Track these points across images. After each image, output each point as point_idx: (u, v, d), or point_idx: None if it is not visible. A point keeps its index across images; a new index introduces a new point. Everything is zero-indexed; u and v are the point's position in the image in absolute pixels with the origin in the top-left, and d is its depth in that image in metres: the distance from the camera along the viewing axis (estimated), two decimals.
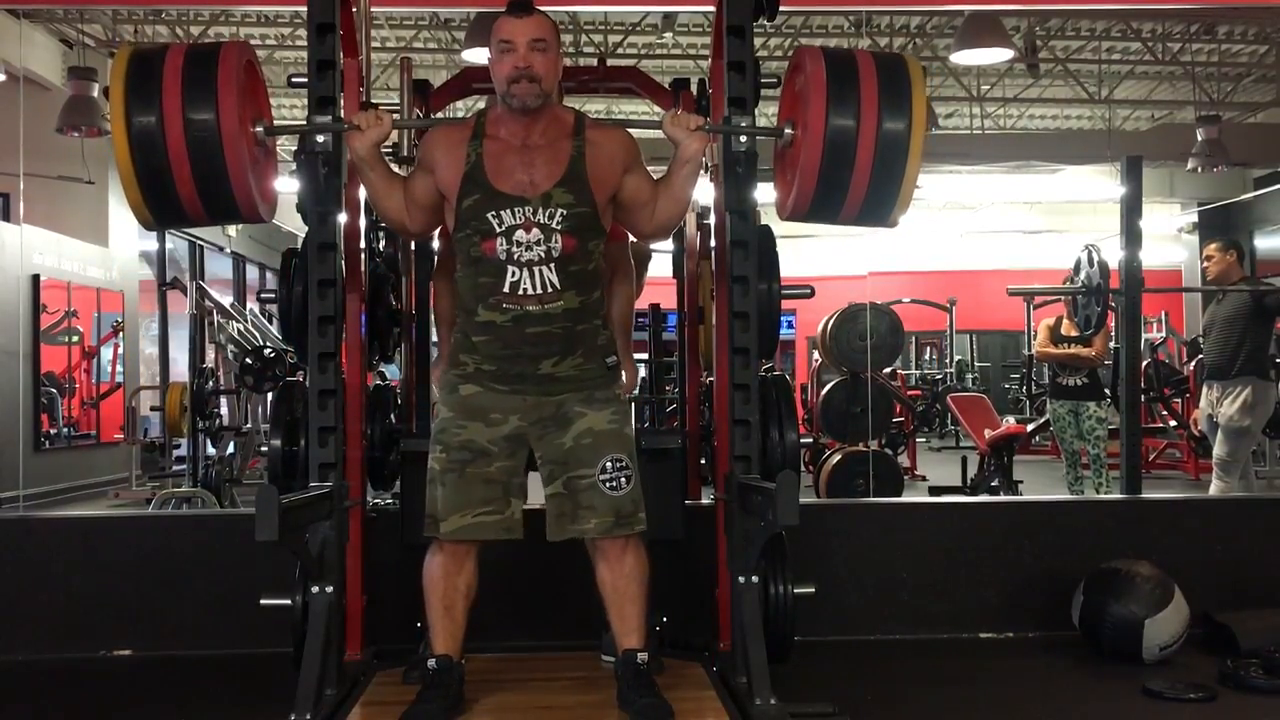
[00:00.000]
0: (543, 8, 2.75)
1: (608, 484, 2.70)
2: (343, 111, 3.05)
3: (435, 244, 3.50)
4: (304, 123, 2.93)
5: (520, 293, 2.66)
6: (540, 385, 2.72)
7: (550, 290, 2.67)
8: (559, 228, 2.66)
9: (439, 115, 3.96)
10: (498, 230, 2.65)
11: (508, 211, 2.66)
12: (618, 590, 2.74)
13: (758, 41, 3.49)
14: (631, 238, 3.24)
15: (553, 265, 2.66)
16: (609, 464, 2.71)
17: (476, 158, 2.70)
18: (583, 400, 2.74)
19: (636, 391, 5.11)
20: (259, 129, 2.82)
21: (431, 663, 2.72)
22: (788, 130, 2.92)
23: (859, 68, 2.81)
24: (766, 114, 3.36)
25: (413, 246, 3.81)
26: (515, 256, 2.65)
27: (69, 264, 8.98)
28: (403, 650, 3.18)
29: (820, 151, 2.77)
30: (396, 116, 2.99)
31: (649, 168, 2.86)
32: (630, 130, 2.88)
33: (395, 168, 3.73)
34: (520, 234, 2.65)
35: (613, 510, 2.69)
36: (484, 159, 2.69)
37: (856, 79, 2.79)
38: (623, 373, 2.90)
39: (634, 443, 2.80)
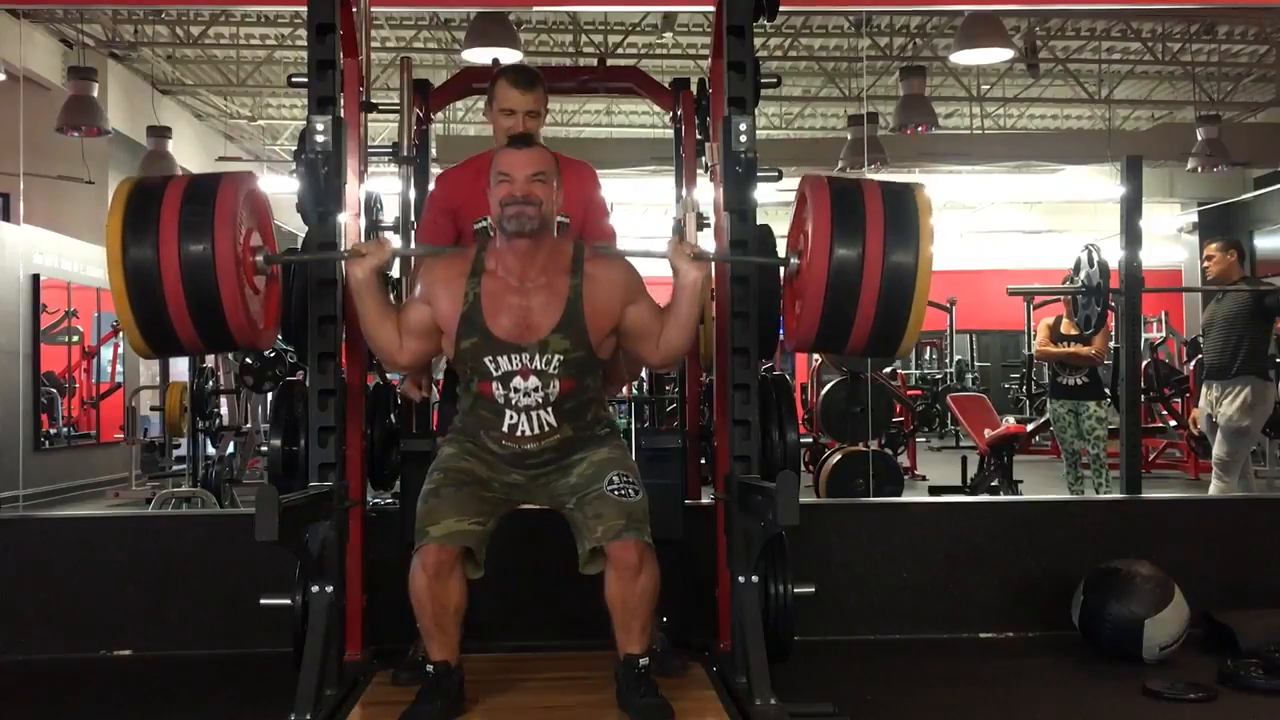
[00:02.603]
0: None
1: (615, 491, 2.71)
2: (342, 110, 3.05)
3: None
4: (306, 251, 2.97)
5: (518, 434, 2.74)
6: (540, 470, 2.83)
7: (547, 429, 2.74)
8: (556, 373, 2.70)
9: (438, 117, 3.96)
10: (495, 375, 2.70)
11: (504, 358, 2.69)
12: (628, 608, 2.67)
13: (758, 41, 3.50)
14: None
15: (550, 408, 2.72)
16: (615, 477, 2.74)
17: (474, 297, 2.70)
18: (580, 451, 2.82)
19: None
20: (259, 258, 2.83)
21: (430, 668, 2.72)
22: (793, 260, 2.89)
23: (865, 199, 2.77)
24: (766, 114, 3.36)
25: (405, 247, 3.80)
26: (513, 402, 2.71)
27: (69, 264, 8.98)
28: (403, 650, 3.18)
29: (824, 285, 2.73)
30: (397, 243, 3.00)
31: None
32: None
33: (394, 168, 3.76)
34: (517, 380, 2.70)
35: (623, 514, 2.68)
36: (482, 299, 2.70)
37: (862, 211, 2.75)
38: (620, 434, 2.95)
39: (638, 472, 2.82)
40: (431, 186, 3.32)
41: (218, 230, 2.66)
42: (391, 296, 3.29)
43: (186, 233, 2.65)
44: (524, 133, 2.86)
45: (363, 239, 3.38)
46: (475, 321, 2.69)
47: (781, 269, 3.05)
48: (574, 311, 2.70)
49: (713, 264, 3.61)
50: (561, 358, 2.69)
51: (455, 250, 3.00)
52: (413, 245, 3.70)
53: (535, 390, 2.70)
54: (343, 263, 2.95)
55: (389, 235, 3.18)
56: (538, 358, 2.68)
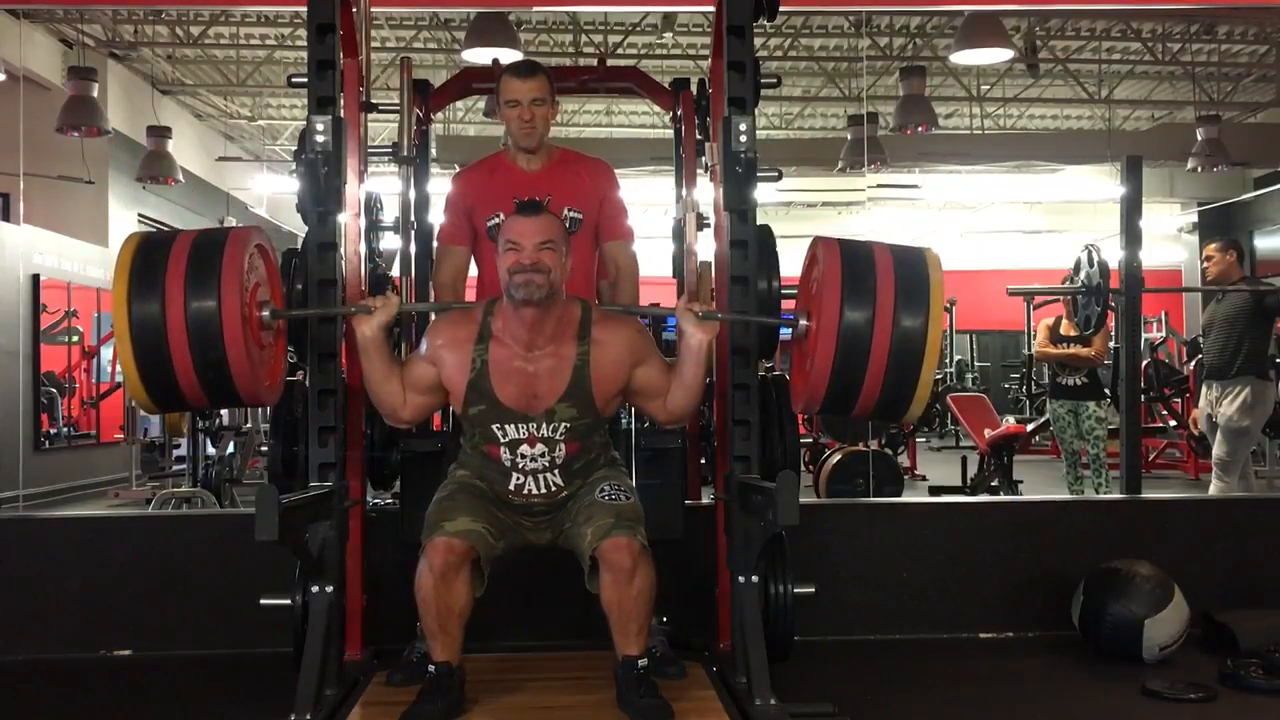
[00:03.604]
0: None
1: (606, 497, 2.74)
2: (342, 110, 3.05)
3: (434, 243, 3.49)
4: (313, 309, 2.98)
5: (525, 493, 2.79)
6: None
7: (554, 489, 2.80)
8: (562, 439, 2.74)
9: (438, 117, 3.95)
10: (502, 441, 2.74)
11: (511, 426, 2.73)
12: (624, 610, 2.68)
13: (758, 41, 3.50)
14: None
15: (556, 470, 2.77)
16: (606, 486, 2.78)
17: (482, 365, 2.73)
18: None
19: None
20: (265, 314, 2.83)
21: (431, 668, 2.72)
22: (803, 321, 2.87)
23: (876, 264, 2.75)
24: (766, 114, 3.36)
25: (413, 247, 3.81)
26: (520, 466, 2.76)
27: (69, 264, 8.97)
28: (403, 650, 3.18)
29: (834, 349, 2.70)
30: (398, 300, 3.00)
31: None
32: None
33: (394, 168, 3.75)
34: (524, 448, 2.74)
35: (612, 514, 2.69)
36: (489, 367, 2.72)
37: (873, 277, 2.72)
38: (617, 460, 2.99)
39: (632, 485, 2.86)
40: (448, 188, 3.32)
41: (224, 289, 2.65)
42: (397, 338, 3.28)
43: (193, 292, 2.64)
44: (533, 199, 2.83)
45: (362, 239, 3.39)
46: (483, 389, 2.72)
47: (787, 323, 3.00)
48: (581, 379, 2.72)
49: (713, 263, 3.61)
50: (568, 425, 2.73)
51: (462, 307, 2.99)
52: (415, 301, 3.70)
53: (541, 455, 2.75)
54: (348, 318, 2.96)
55: (392, 294, 3.16)
56: (544, 426, 2.72)
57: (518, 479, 2.77)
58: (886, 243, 2.87)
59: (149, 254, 2.70)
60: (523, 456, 2.75)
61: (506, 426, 2.72)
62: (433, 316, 3.28)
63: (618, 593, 2.65)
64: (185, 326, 2.63)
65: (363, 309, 2.77)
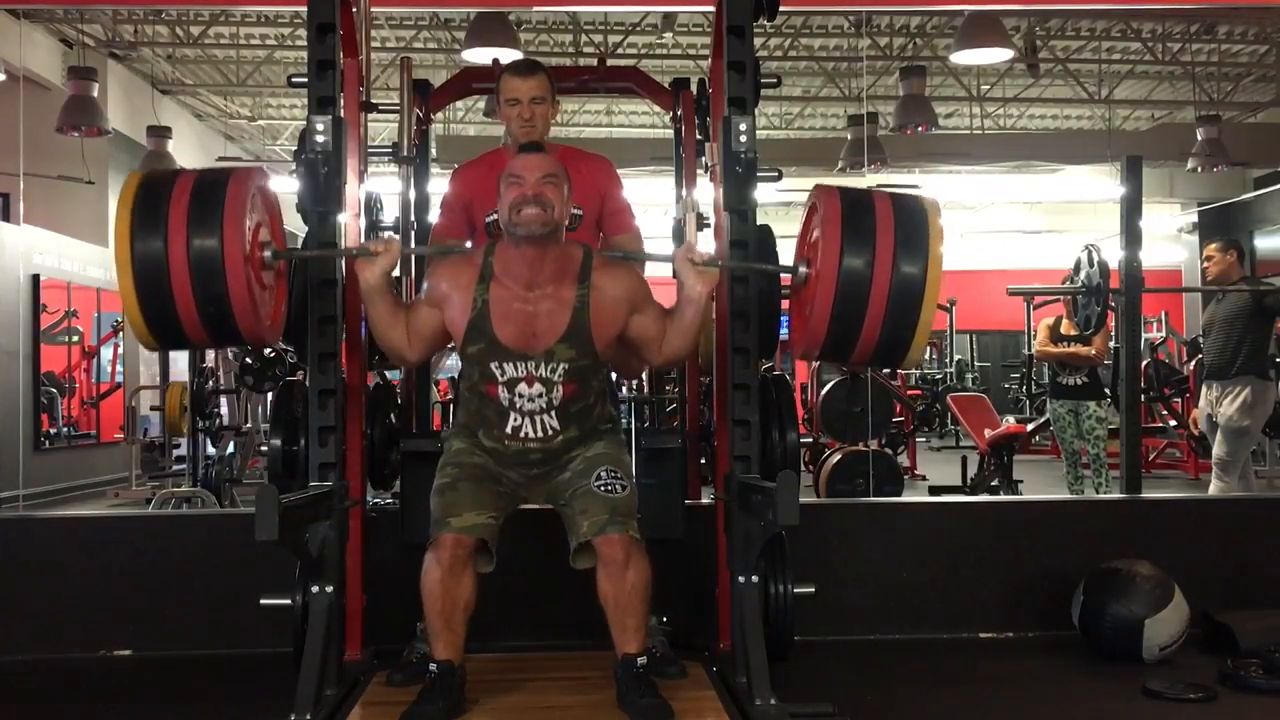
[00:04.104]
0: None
1: (603, 487, 2.74)
2: (342, 110, 3.05)
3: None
4: (315, 248, 2.97)
5: (521, 435, 2.77)
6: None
7: (550, 433, 2.77)
8: (560, 380, 2.73)
9: (438, 117, 3.96)
10: (500, 380, 2.73)
11: (510, 364, 2.72)
12: (619, 605, 2.70)
13: (758, 41, 3.50)
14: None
15: (553, 412, 2.75)
16: (603, 473, 2.77)
17: (482, 305, 2.73)
18: (580, 446, 2.84)
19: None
20: (267, 254, 2.83)
21: (433, 667, 2.72)
22: (802, 269, 2.89)
23: (875, 210, 2.77)
24: (766, 114, 3.36)
25: (412, 247, 3.81)
26: (518, 406, 2.74)
27: (69, 264, 8.98)
28: (403, 650, 3.18)
29: (833, 294, 2.73)
30: (398, 242, 3.01)
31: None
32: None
33: (394, 168, 3.76)
34: (522, 387, 2.73)
35: (607, 509, 2.71)
36: (489, 307, 2.72)
37: (873, 221, 2.75)
38: (620, 430, 2.98)
39: (630, 468, 2.85)
40: (446, 185, 3.32)
41: (227, 225, 2.66)
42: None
43: (196, 227, 2.65)
44: (534, 141, 2.86)
45: (363, 238, 3.39)
46: (483, 329, 2.71)
47: (789, 276, 3.03)
48: (580, 321, 2.72)
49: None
50: (567, 366, 2.72)
51: (462, 251, 3.01)
52: (415, 245, 3.70)
53: (539, 396, 2.74)
54: (350, 261, 2.96)
55: (395, 235, 3.17)
56: (543, 366, 2.72)
57: (515, 420, 2.75)
58: (887, 189, 2.88)
59: (152, 190, 2.71)
60: (520, 396, 2.73)
61: (505, 365, 2.71)
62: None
63: (613, 586, 2.69)
64: (187, 262, 2.64)
65: (364, 252, 2.77)
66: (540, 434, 2.77)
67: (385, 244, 2.78)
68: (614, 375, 3.46)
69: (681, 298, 2.79)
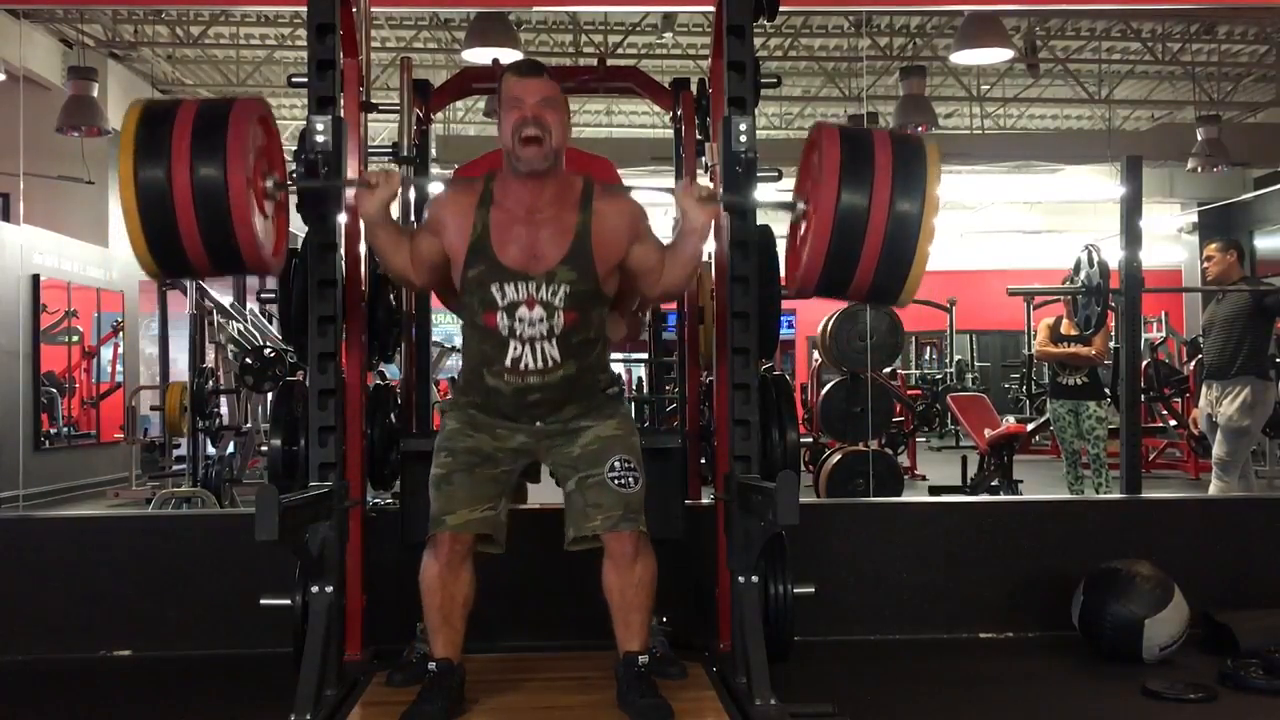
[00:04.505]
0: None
1: (616, 480, 2.72)
2: (342, 110, 3.06)
3: None
4: (315, 181, 2.96)
5: (522, 367, 2.71)
6: (545, 422, 2.79)
7: (551, 364, 2.71)
8: (561, 305, 2.69)
9: (438, 117, 3.96)
10: (500, 304, 2.69)
11: (511, 286, 2.68)
12: (625, 596, 2.71)
13: (758, 41, 3.49)
14: None
15: (554, 340, 2.70)
16: (617, 463, 2.74)
17: (483, 228, 2.70)
18: (586, 416, 2.79)
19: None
20: (270, 183, 2.83)
21: (432, 665, 2.72)
22: (800, 205, 2.90)
23: (874, 148, 2.79)
24: (766, 114, 3.36)
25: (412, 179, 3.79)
26: (517, 333, 2.69)
27: (69, 264, 8.98)
28: (403, 650, 3.18)
29: (830, 230, 2.74)
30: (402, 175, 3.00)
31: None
32: (643, 133, 2.88)
33: (394, 167, 3.75)
34: (522, 310, 2.68)
35: (621, 504, 2.70)
36: (490, 229, 2.70)
37: (871, 159, 2.76)
38: (625, 400, 2.93)
39: (640, 452, 2.82)
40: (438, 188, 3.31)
41: (231, 151, 2.65)
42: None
43: (200, 152, 2.64)
44: (531, 60, 2.79)
45: (363, 240, 3.39)
46: (483, 250, 2.69)
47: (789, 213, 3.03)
48: (582, 244, 2.70)
49: (713, 263, 3.61)
50: (568, 289, 2.68)
51: (464, 181, 2.99)
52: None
53: (540, 321, 2.68)
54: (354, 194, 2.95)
55: (394, 168, 3.14)
56: (544, 288, 2.67)
57: (515, 349, 2.69)
58: (887, 129, 2.89)
59: (156, 116, 2.70)
60: (520, 321, 2.68)
61: (506, 287, 2.67)
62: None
63: (620, 579, 2.70)
64: (191, 187, 2.63)
65: (363, 184, 2.76)
66: (540, 363, 2.70)
67: (385, 175, 2.77)
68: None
69: (683, 228, 2.78)
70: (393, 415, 3.68)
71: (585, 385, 2.79)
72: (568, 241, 2.69)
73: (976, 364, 13.89)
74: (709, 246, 3.77)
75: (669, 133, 4.16)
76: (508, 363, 2.70)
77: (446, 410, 2.88)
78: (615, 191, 2.87)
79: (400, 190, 3.71)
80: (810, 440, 7.86)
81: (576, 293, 2.69)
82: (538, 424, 2.78)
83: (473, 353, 2.79)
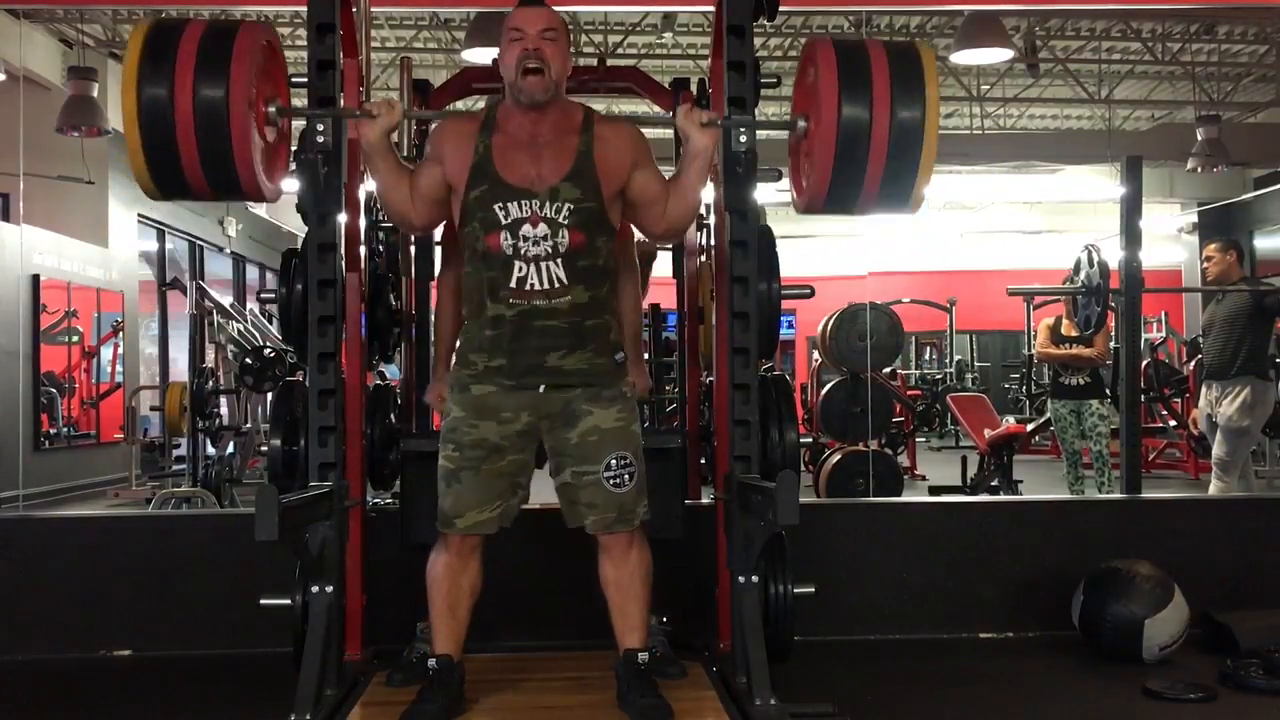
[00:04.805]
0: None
1: (611, 481, 2.71)
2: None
3: (437, 256, 3.48)
4: (318, 108, 2.93)
5: (527, 288, 2.66)
6: (549, 377, 2.70)
7: (557, 285, 2.66)
8: (566, 223, 2.66)
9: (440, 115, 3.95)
10: (503, 223, 2.65)
11: (514, 204, 2.66)
12: (621, 587, 2.73)
13: (758, 41, 3.49)
14: (638, 234, 3.22)
15: (559, 260, 2.66)
16: (613, 461, 2.71)
17: (485, 150, 2.70)
18: (590, 398, 2.72)
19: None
20: (271, 109, 2.83)
21: (432, 662, 2.72)
22: (801, 123, 2.91)
23: (870, 57, 2.80)
24: (767, 114, 3.36)
25: (413, 247, 3.81)
26: (522, 252, 2.65)
27: (69, 264, 8.98)
28: (403, 650, 3.18)
29: (835, 141, 2.75)
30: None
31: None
32: (642, 127, 2.87)
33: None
34: (526, 228, 2.65)
35: (615, 506, 2.70)
36: (492, 151, 2.69)
37: (868, 67, 2.77)
38: (631, 373, 2.87)
39: (640, 439, 2.79)
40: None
41: (234, 73, 2.65)
42: None
43: (203, 74, 2.64)
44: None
45: (363, 237, 3.39)
46: (486, 170, 2.68)
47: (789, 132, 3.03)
48: (584, 163, 2.69)
49: (713, 263, 3.60)
50: (572, 206, 2.66)
51: (463, 112, 2.98)
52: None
53: (545, 239, 2.65)
54: (355, 123, 2.91)
55: (395, 98, 3.11)
56: (548, 205, 2.65)
57: (520, 269, 2.65)
58: (880, 39, 2.89)
59: (162, 35, 2.70)
60: (525, 240, 2.64)
61: (509, 205, 2.65)
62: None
63: (615, 571, 2.74)
64: (193, 108, 2.63)
65: (365, 114, 2.75)
66: (546, 285, 2.65)
67: (386, 105, 2.74)
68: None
69: (686, 153, 2.76)
70: (393, 415, 3.69)
71: (596, 329, 2.72)
72: (570, 159, 2.69)
73: (976, 364, 13.89)
74: (709, 247, 3.77)
75: (669, 132, 4.16)
76: (513, 283, 2.65)
77: (451, 391, 2.79)
78: (616, 119, 2.88)
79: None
80: (810, 440, 7.86)
81: (581, 210, 2.67)
82: (542, 387, 2.70)
83: (475, 285, 2.73)
